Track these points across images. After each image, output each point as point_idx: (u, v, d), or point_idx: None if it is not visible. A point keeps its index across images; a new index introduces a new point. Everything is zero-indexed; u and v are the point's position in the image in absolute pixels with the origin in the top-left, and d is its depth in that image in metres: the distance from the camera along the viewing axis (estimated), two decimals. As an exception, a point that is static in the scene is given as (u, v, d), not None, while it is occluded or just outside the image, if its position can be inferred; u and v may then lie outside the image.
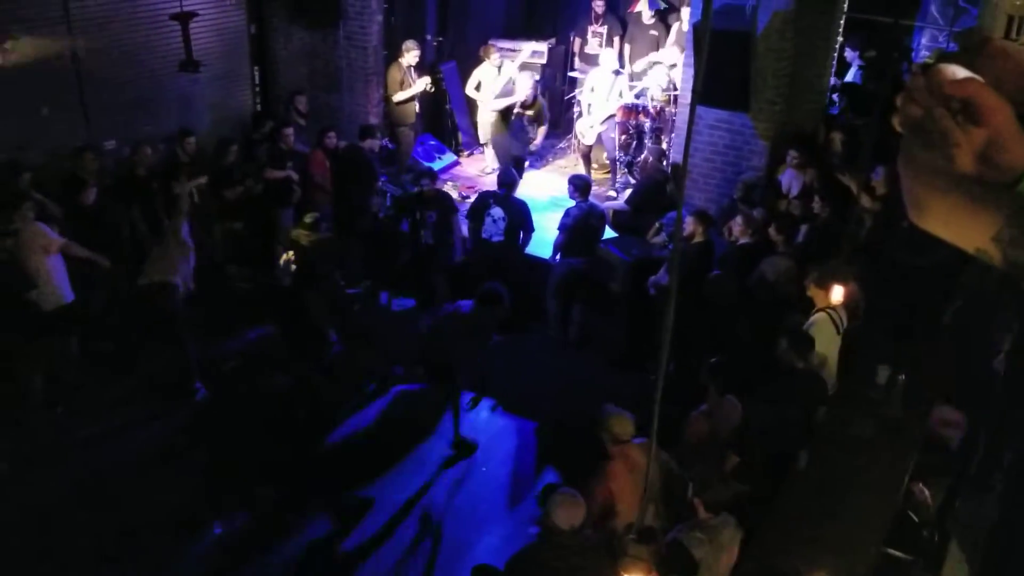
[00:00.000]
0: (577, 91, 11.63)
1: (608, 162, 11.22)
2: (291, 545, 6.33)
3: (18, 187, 7.41)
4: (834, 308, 6.21)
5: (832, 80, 9.76)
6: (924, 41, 12.07)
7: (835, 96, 10.02)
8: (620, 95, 10.64)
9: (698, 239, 7.63)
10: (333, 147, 9.49)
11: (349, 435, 7.50)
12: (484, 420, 7.81)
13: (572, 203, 8.67)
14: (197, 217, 8.83)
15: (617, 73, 10.70)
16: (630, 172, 10.97)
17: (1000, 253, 1.00)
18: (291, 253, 7.41)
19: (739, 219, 7.68)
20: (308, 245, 7.47)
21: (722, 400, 5.75)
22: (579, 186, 8.64)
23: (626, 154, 11.17)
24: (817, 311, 6.25)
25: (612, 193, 10.83)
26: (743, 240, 7.57)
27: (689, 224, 7.59)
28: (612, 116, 10.67)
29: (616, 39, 11.85)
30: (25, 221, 6.99)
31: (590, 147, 11.09)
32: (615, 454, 5.15)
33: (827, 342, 6.23)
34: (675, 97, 10.60)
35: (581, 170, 11.03)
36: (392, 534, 6.49)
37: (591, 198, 8.94)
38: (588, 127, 10.81)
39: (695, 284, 7.20)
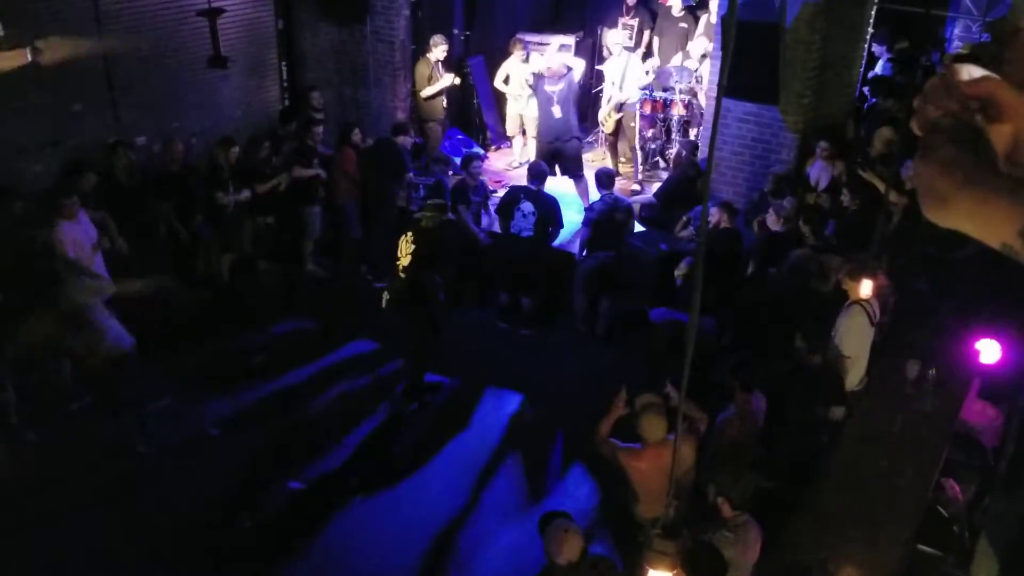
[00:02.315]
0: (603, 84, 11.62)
1: (631, 152, 11.17)
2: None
3: (79, 187, 7.53)
4: (867, 301, 6.15)
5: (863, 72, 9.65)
6: (957, 31, 11.93)
7: (865, 89, 9.91)
8: (637, 78, 10.55)
9: (724, 226, 7.62)
10: (359, 143, 9.52)
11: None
12: (510, 414, 7.83)
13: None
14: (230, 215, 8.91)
15: (627, 51, 10.62)
16: (661, 158, 10.92)
17: None
18: (410, 235, 7.50)
19: (771, 213, 7.64)
20: (431, 227, 7.57)
21: (748, 398, 5.72)
22: (601, 179, 8.66)
23: (653, 146, 11.13)
24: (851, 303, 6.19)
25: (636, 186, 10.78)
26: (776, 229, 7.53)
27: (715, 214, 7.61)
28: (630, 103, 10.62)
29: (647, 32, 11.80)
30: (57, 219, 7.14)
31: (615, 137, 11.05)
32: (647, 450, 5.15)
33: (860, 334, 6.16)
34: (703, 90, 10.53)
35: (609, 163, 11.03)
36: (414, 526, 6.53)
37: (616, 192, 8.94)
38: (605, 115, 10.78)
39: (721, 270, 7.17)
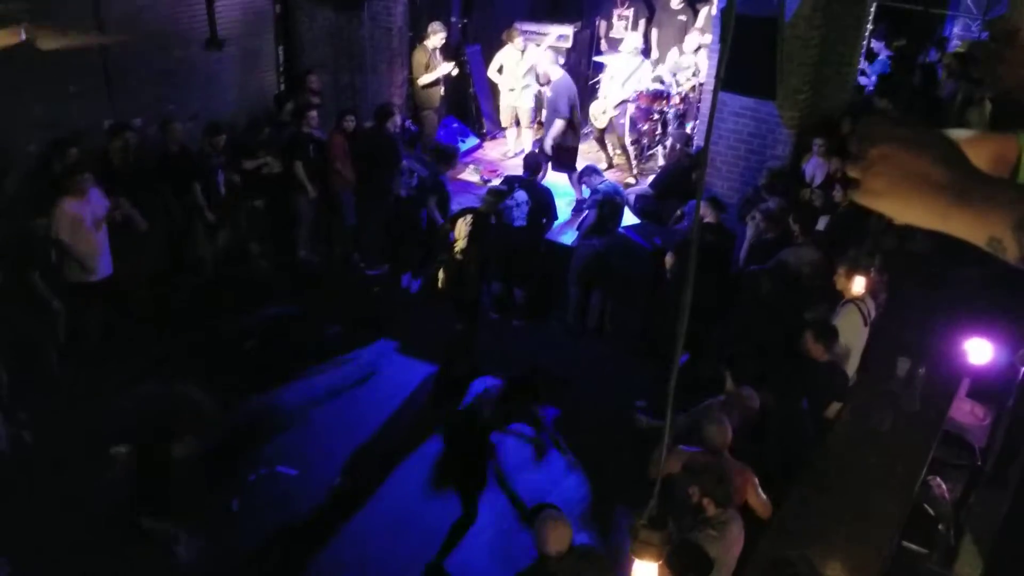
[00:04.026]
0: (601, 76, 11.58)
1: (621, 146, 11.16)
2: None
3: (64, 166, 7.50)
4: (862, 299, 6.15)
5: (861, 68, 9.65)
6: (956, 30, 11.95)
7: (863, 80, 9.92)
8: (639, 81, 10.54)
9: (708, 220, 7.63)
10: (352, 130, 9.44)
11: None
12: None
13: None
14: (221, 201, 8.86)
15: (642, 55, 10.59)
16: (661, 147, 10.93)
17: (1017, 243, 0.99)
18: (469, 218, 7.65)
19: (759, 214, 7.63)
20: (485, 210, 7.80)
21: (739, 391, 5.72)
22: (594, 170, 8.71)
23: (651, 140, 11.12)
24: (845, 302, 6.19)
25: (631, 180, 10.77)
26: (768, 235, 7.52)
27: (700, 209, 7.57)
28: (625, 102, 10.60)
29: (642, 22, 11.77)
30: (63, 196, 7.12)
31: (603, 131, 11.03)
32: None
33: (852, 334, 6.16)
34: (699, 84, 10.52)
35: (602, 155, 11.02)
36: (401, 514, 6.53)
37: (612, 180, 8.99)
38: (600, 111, 10.76)
39: (707, 264, 7.18)
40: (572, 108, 10.07)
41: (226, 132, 8.76)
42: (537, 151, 10.08)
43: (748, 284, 7.20)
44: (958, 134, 1.18)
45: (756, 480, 4.96)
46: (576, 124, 10.25)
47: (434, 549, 6.24)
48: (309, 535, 6.27)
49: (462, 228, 7.61)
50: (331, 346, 8.37)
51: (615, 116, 10.70)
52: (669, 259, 7.72)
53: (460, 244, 7.58)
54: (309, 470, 6.87)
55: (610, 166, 11.17)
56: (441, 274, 7.82)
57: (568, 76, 10.25)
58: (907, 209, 1.08)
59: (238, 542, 6.20)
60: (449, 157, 9.25)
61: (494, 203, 7.80)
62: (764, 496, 4.92)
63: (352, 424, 7.42)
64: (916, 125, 1.09)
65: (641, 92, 10.60)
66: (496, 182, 9.54)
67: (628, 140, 10.85)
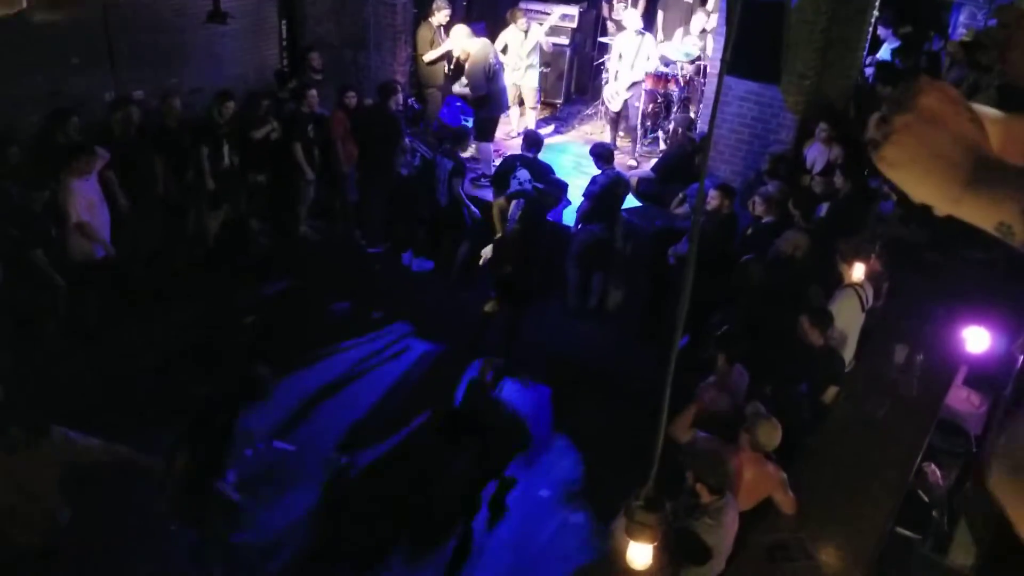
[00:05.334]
0: (606, 57, 11.52)
1: (630, 130, 11.11)
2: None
3: (66, 135, 7.49)
4: (860, 285, 6.16)
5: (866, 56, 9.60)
6: (962, 18, 11.86)
7: (868, 71, 9.87)
8: (648, 58, 10.47)
9: (724, 211, 7.60)
10: (354, 107, 9.39)
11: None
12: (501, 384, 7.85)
13: (596, 171, 8.61)
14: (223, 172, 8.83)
15: (640, 34, 10.51)
16: (661, 131, 10.89)
17: None
18: (522, 201, 7.84)
19: (758, 198, 7.62)
20: (540, 199, 7.99)
21: (731, 370, 5.73)
22: (602, 154, 8.57)
23: (654, 123, 11.08)
24: (844, 287, 6.20)
25: (632, 162, 10.74)
26: (766, 219, 7.51)
27: (715, 198, 7.53)
28: (638, 83, 10.54)
29: (642, 2, 11.71)
30: (69, 177, 7.12)
31: (617, 114, 10.98)
32: (745, 458, 4.92)
33: (851, 318, 6.18)
34: (704, 67, 10.47)
35: (607, 137, 10.97)
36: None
37: (617, 167, 8.89)
38: (614, 93, 10.70)
39: (716, 256, 7.18)
40: (489, 79, 10.03)
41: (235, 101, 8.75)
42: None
43: (741, 272, 7.20)
44: (980, 111, 1.15)
45: (785, 477, 4.92)
46: (494, 96, 10.21)
47: (423, 526, 6.28)
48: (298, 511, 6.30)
49: (512, 210, 7.66)
50: (331, 322, 8.39)
51: (629, 98, 10.63)
52: (679, 249, 7.67)
53: (509, 225, 7.68)
54: (307, 446, 6.90)
55: (614, 148, 11.11)
56: (488, 251, 7.84)
57: (487, 47, 10.14)
58: (920, 186, 1.06)
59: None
60: (464, 138, 9.20)
61: (551, 195, 7.85)
62: (791, 494, 4.88)
63: (348, 400, 7.45)
64: (948, 95, 1.07)
65: (648, 73, 10.54)
66: (497, 162, 9.53)
67: (638, 122, 10.80)
